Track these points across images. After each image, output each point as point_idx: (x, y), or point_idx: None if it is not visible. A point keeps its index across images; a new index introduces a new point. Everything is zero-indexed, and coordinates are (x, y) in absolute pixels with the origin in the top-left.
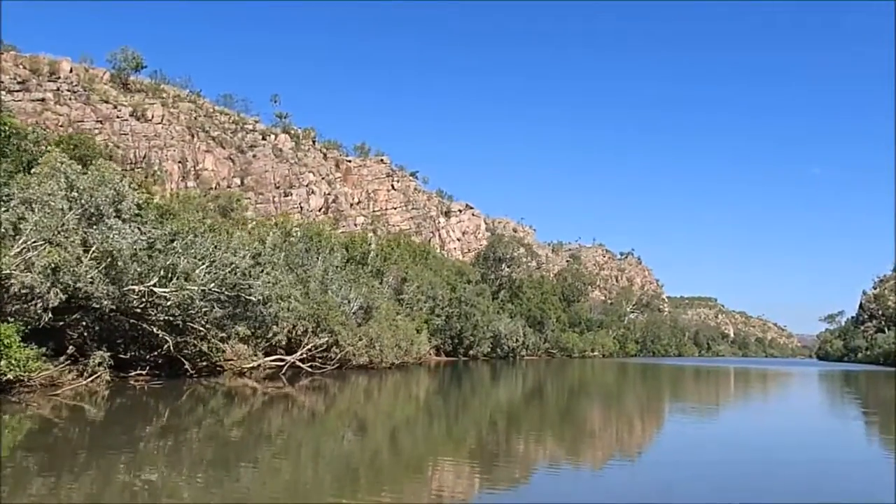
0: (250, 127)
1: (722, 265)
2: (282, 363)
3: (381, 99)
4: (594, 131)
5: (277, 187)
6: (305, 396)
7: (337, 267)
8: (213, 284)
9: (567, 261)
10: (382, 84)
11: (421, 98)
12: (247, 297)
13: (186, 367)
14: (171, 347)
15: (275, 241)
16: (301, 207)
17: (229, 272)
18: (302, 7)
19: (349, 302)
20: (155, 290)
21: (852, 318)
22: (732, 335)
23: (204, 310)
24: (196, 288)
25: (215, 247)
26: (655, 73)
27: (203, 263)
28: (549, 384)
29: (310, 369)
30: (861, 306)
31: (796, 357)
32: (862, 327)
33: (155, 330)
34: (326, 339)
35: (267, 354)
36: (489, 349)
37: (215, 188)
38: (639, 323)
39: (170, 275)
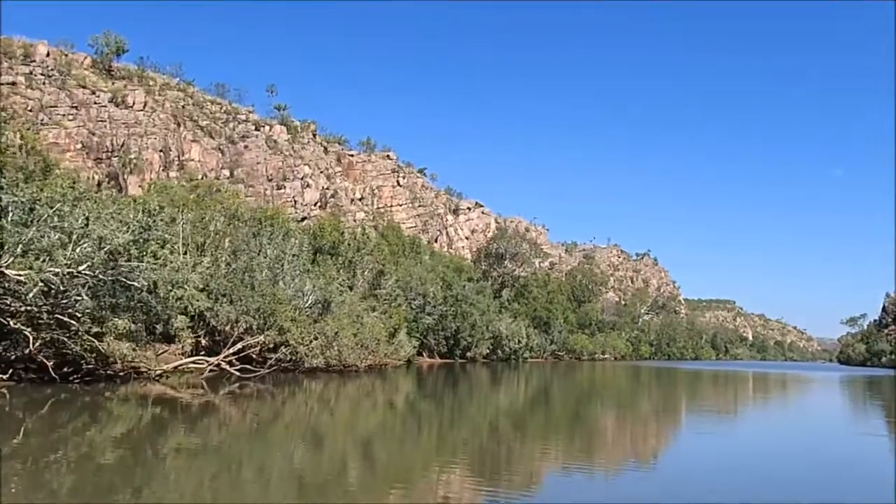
0: (243, 117)
1: (740, 267)
2: (205, 365)
3: (390, 97)
4: (610, 130)
5: (270, 180)
6: (231, 406)
7: (294, 255)
8: (84, 266)
9: (580, 261)
10: (392, 82)
11: (431, 96)
12: (129, 282)
13: (57, 369)
14: (31, 345)
15: (175, 213)
16: (295, 201)
17: (105, 251)
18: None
19: (303, 295)
20: (6, 272)
21: (875, 321)
22: (751, 338)
23: (76, 298)
24: (60, 270)
25: (87, 218)
26: (674, 72)
27: (76, 241)
28: (548, 391)
29: (237, 373)
30: (884, 309)
31: (816, 361)
32: (885, 331)
33: (12, 323)
34: (273, 336)
35: (209, 354)
36: (489, 351)
37: (202, 179)
38: (653, 325)
39: (28, 253)
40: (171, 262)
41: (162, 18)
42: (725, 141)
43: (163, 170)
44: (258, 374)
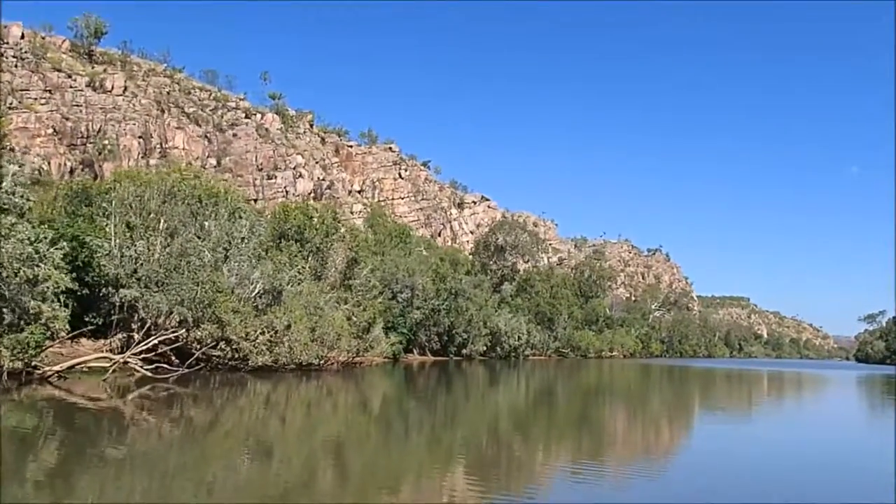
0: (233, 105)
1: (755, 264)
2: (109, 364)
3: (394, 89)
4: (622, 126)
5: (260, 169)
6: (140, 412)
7: (243, 238)
8: None
9: (589, 256)
10: (397, 74)
11: (437, 89)
12: None
13: None
14: None
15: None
16: (286, 192)
17: None
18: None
19: (250, 283)
20: None
21: (894, 318)
22: (766, 336)
23: None
24: None
25: None
26: (688, 69)
27: None
28: (551, 392)
29: (150, 373)
30: None
31: (833, 359)
32: None
33: None
34: (211, 330)
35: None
36: (486, 348)
37: (185, 168)
38: (665, 322)
39: None
40: (19, 234)
41: (156, 7)
42: (739, 137)
43: (142, 157)
44: (177, 373)
